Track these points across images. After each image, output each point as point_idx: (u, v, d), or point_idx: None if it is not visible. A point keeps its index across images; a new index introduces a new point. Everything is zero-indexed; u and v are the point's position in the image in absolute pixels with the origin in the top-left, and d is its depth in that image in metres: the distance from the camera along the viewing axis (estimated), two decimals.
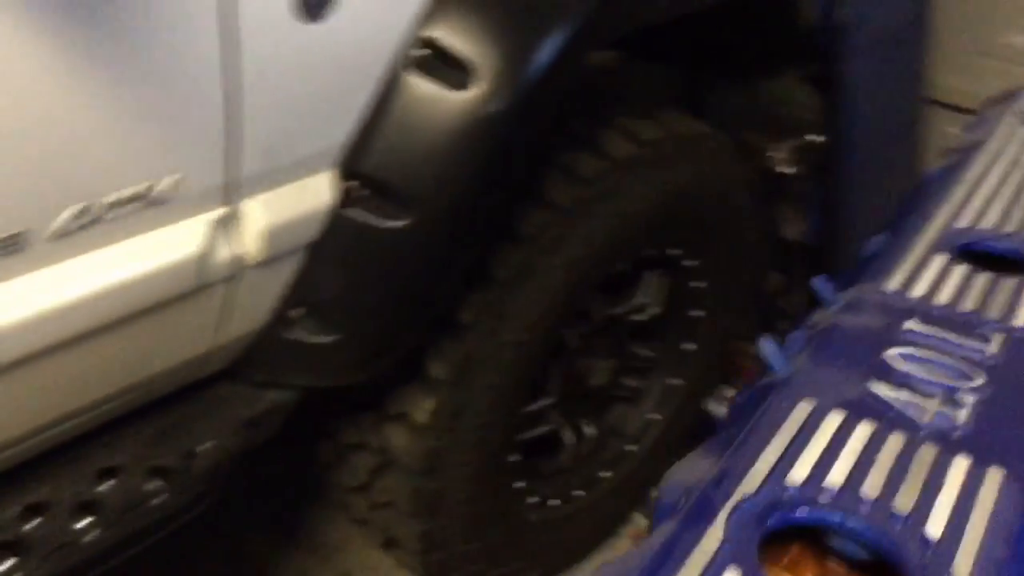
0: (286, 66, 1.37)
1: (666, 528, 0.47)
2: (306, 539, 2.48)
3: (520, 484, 2.18)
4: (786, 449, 0.52)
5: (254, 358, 1.64)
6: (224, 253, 1.42)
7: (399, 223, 1.54)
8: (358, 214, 1.55)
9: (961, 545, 0.47)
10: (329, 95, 1.46)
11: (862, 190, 2.60)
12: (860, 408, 0.55)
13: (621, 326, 2.29)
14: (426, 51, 1.51)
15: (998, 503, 0.50)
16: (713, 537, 0.46)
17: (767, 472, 0.50)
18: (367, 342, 1.65)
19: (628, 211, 1.95)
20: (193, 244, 1.37)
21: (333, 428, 2.01)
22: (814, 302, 2.83)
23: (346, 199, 1.55)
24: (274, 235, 1.47)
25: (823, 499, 0.49)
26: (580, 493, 2.40)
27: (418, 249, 1.58)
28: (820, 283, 0.71)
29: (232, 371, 1.66)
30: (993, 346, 0.61)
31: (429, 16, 1.51)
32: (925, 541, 0.46)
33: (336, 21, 1.39)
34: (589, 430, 2.38)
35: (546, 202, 1.84)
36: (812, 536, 0.52)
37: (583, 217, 1.87)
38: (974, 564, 0.46)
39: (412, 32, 1.51)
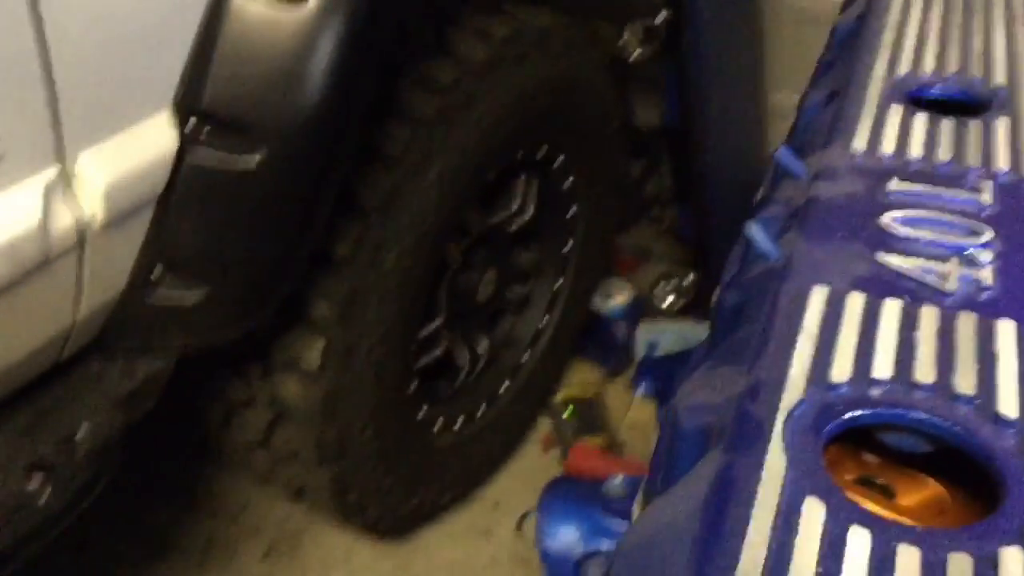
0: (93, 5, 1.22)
1: (714, 458, 0.40)
2: (208, 502, 2.38)
3: (423, 411, 2.13)
4: (818, 345, 0.45)
5: (121, 327, 1.51)
6: (65, 219, 1.28)
7: (252, 159, 1.42)
8: (205, 156, 1.42)
9: None
10: (146, 25, 1.31)
11: (711, 62, 2.59)
12: (879, 285, 0.50)
13: (500, 236, 2.24)
14: None
15: None
16: (775, 463, 0.39)
17: (806, 375, 0.44)
18: (239, 293, 1.54)
19: (493, 114, 1.87)
20: (29, 214, 1.23)
21: (219, 387, 1.90)
22: (679, 185, 2.82)
23: (190, 141, 1.41)
24: (115, 191, 1.33)
25: (878, 395, 0.43)
26: (483, 409, 2.37)
27: (278, 184, 1.47)
28: (786, 154, 0.65)
29: (101, 344, 1.52)
30: (986, 195, 0.58)
31: None
32: (1003, 422, 0.41)
33: None
34: (482, 345, 2.34)
35: (407, 117, 1.74)
36: (853, 433, 0.46)
37: (448, 128, 1.78)
38: None
39: None
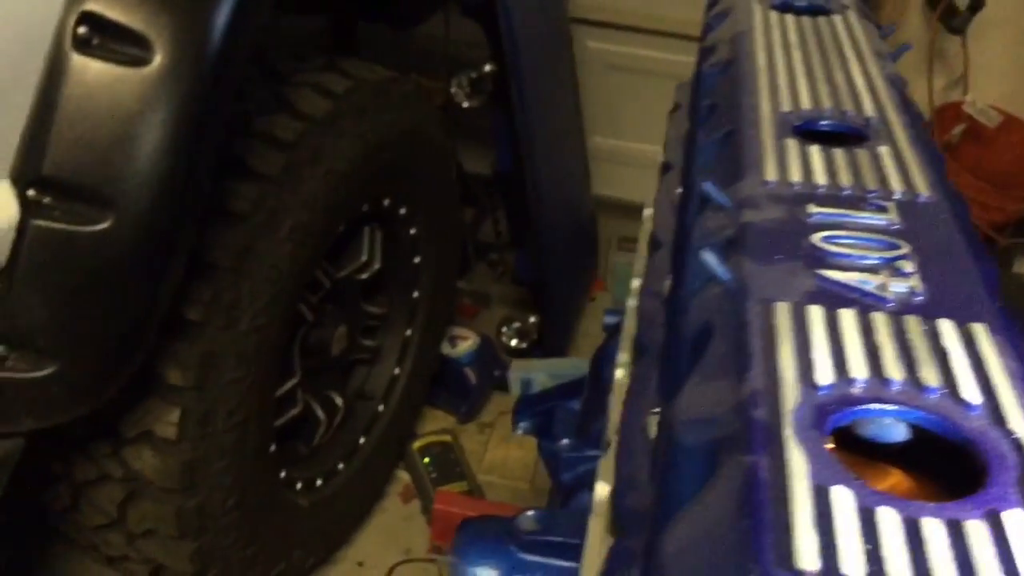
0: None
1: (736, 463, 0.43)
2: None
3: (284, 473, 2.08)
4: (796, 353, 0.50)
5: None
6: None
7: (99, 226, 1.37)
8: (49, 225, 1.36)
9: (1001, 401, 0.48)
10: None
11: (536, 110, 2.70)
12: (829, 298, 0.55)
13: (350, 288, 2.23)
14: (88, 28, 1.34)
15: (1000, 355, 0.52)
16: (796, 460, 0.43)
17: (797, 380, 0.48)
18: (90, 367, 1.47)
19: (339, 168, 1.88)
20: None
21: (64, 467, 1.79)
22: (514, 230, 2.89)
23: (32, 211, 1.35)
24: None
25: (862, 393, 0.48)
26: (342, 465, 2.34)
27: (127, 250, 1.42)
28: (709, 186, 0.69)
29: None
30: (892, 214, 0.64)
31: None
32: (968, 406, 0.47)
33: None
34: (338, 400, 2.31)
35: (254, 174, 1.72)
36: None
37: (296, 183, 1.77)
38: (1022, 414, 0.47)
39: (69, 8, 1.33)
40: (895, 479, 0.50)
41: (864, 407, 0.47)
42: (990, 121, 3.37)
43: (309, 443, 2.26)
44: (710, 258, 0.59)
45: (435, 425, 2.81)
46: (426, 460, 2.61)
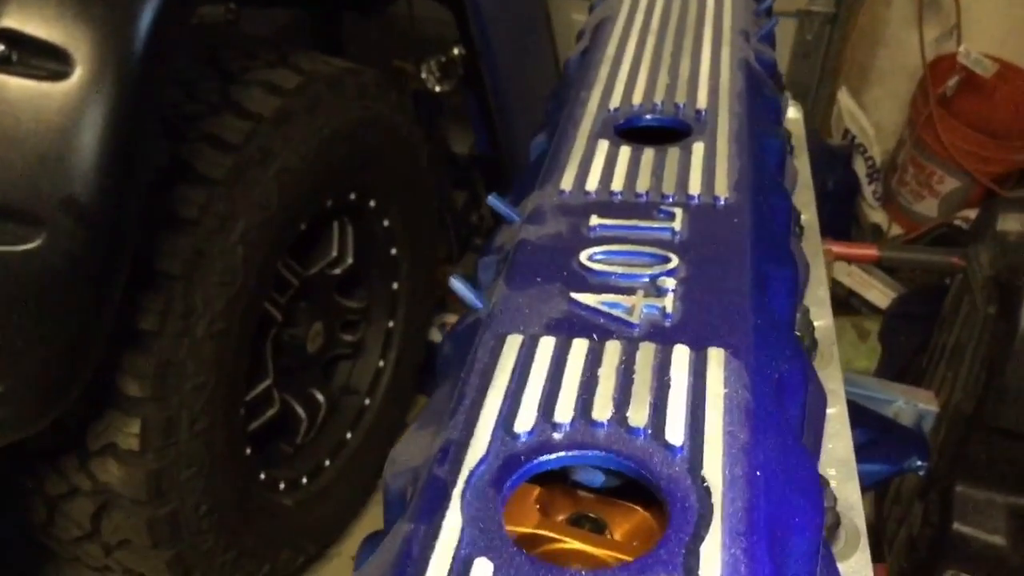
0: None
1: (399, 529, 0.41)
2: None
3: (264, 474, 2.07)
4: (505, 396, 0.46)
5: None
6: None
7: (30, 245, 1.35)
8: None
9: (705, 441, 0.44)
10: None
11: (510, 89, 2.65)
12: (568, 326, 0.51)
13: (323, 284, 2.21)
14: (5, 44, 1.31)
15: (727, 384, 0.48)
16: (451, 527, 0.40)
17: (491, 429, 0.45)
18: (34, 385, 1.45)
19: (291, 166, 1.85)
20: None
21: (35, 481, 1.79)
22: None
23: None
24: None
25: (557, 440, 0.44)
26: (328, 462, 2.33)
27: (62, 267, 1.40)
28: (495, 200, 0.66)
29: None
30: (677, 222, 0.60)
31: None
32: (670, 449, 0.43)
33: None
34: (319, 397, 2.30)
35: (201, 178, 1.70)
36: (551, 475, 0.48)
37: (246, 185, 1.75)
38: (720, 457, 0.44)
39: None
40: (638, 519, 0.47)
41: (557, 456, 0.44)
42: (985, 71, 3.28)
43: (292, 442, 2.25)
44: (458, 286, 0.56)
45: None
46: None
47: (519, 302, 0.53)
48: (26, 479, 1.82)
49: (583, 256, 0.57)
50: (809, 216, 0.90)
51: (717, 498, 0.41)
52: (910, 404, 1.36)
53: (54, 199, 1.36)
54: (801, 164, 0.99)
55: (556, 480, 0.48)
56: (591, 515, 0.47)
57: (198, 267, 1.68)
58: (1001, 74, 3.35)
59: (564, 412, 0.45)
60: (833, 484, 0.61)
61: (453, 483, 0.42)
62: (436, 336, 2.83)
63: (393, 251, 2.40)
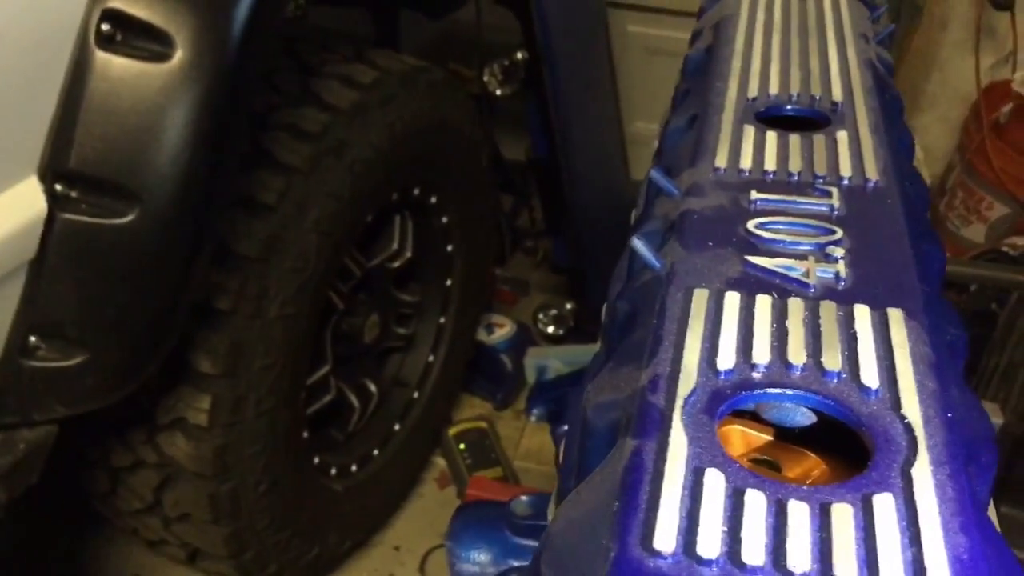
0: None
1: (624, 446, 0.44)
2: (99, 572, 2.29)
3: (318, 459, 2.12)
4: (703, 339, 0.51)
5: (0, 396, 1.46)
6: None
7: (125, 219, 1.40)
8: (76, 218, 1.40)
9: (899, 385, 0.48)
10: (4, 91, 1.29)
11: (571, 97, 2.69)
12: (750, 284, 0.56)
13: (382, 277, 2.26)
14: (111, 25, 1.37)
15: (909, 339, 0.52)
16: (677, 444, 0.44)
17: (697, 366, 0.49)
18: (120, 356, 1.50)
19: (365, 159, 1.90)
20: None
21: (101, 453, 1.84)
22: (551, 217, 2.90)
23: (59, 204, 1.39)
24: None
25: (760, 377, 0.48)
26: (377, 452, 2.37)
27: (153, 242, 1.45)
28: (657, 174, 0.70)
29: None
30: (835, 199, 0.64)
31: None
32: (867, 390, 0.47)
33: None
34: (372, 387, 2.34)
35: (280, 166, 1.75)
36: (743, 415, 0.52)
37: (322, 174, 1.80)
38: (918, 400, 0.47)
39: (93, 5, 1.36)
40: (810, 463, 0.50)
41: (759, 391, 0.47)
42: None
43: (344, 430, 2.29)
44: (639, 246, 0.60)
45: (471, 412, 2.84)
46: (461, 446, 2.64)
47: (696, 263, 0.57)
48: (91, 450, 1.88)
49: (750, 224, 0.61)
50: None
51: (919, 433, 0.44)
52: None
53: (149, 176, 1.41)
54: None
55: (737, 421, 0.51)
56: (765, 457, 0.51)
57: (273, 251, 1.73)
58: None
59: (761, 355, 0.49)
60: None
61: (671, 408, 0.46)
62: (483, 336, 2.87)
63: (449, 248, 2.44)
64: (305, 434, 2.02)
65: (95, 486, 1.94)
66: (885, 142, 0.70)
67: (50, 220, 1.38)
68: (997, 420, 1.37)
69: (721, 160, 0.69)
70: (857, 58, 0.81)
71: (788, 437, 0.50)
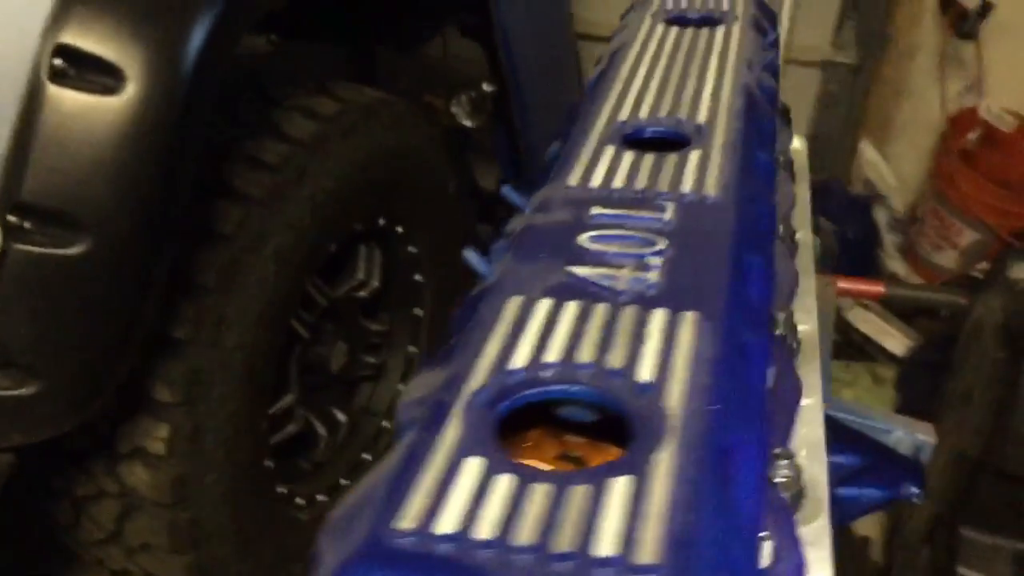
0: None
1: (406, 439, 0.48)
2: None
3: (284, 488, 2.12)
4: (505, 342, 0.54)
5: None
6: None
7: (76, 249, 1.43)
8: (29, 248, 1.42)
9: (669, 381, 0.51)
10: None
11: (538, 125, 2.73)
12: (563, 291, 0.58)
13: (349, 305, 2.27)
14: (63, 59, 1.40)
15: (696, 340, 0.54)
16: (451, 434, 0.47)
17: (491, 365, 0.52)
18: (72, 385, 1.52)
19: (325, 189, 1.93)
20: None
21: (64, 483, 1.85)
22: None
23: (12, 235, 1.41)
24: None
25: (545, 375, 0.51)
26: (346, 482, 2.37)
27: (106, 272, 1.47)
28: (508, 191, 0.73)
29: None
30: (668, 214, 0.67)
31: (59, 19, 1.40)
32: (639, 386, 0.50)
33: None
34: (341, 416, 2.35)
35: (238, 196, 1.78)
36: (549, 419, 0.54)
37: (281, 204, 1.82)
38: (683, 394, 0.50)
39: (45, 41, 1.39)
40: (611, 456, 0.52)
41: (540, 388, 0.50)
42: (1006, 126, 3.33)
43: (311, 459, 2.30)
44: (470, 257, 0.63)
45: None
46: None
47: (522, 273, 0.60)
48: (55, 480, 1.89)
49: (582, 238, 0.63)
50: (805, 236, 0.96)
51: (676, 423, 0.47)
52: (909, 434, 1.40)
53: (100, 206, 1.43)
54: (801, 189, 1.06)
55: (550, 424, 0.53)
56: (573, 455, 0.53)
57: (231, 281, 1.75)
58: (1022, 129, 3.40)
59: (552, 355, 0.52)
60: (802, 462, 0.67)
61: (454, 404, 0.48)
62: None
63: (418, 277, 2.46)
64: (269, 463, 2.03)
65: (60, 517, 1.94)
66: (737, 162, 0.72)
67: (3, 250, 1.41)
68: (929, 439, 1.39)
69: (574, 179, 0.72)
70: (732, 83, 0.84)
71: (605, 436, 0.53)
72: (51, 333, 1.47)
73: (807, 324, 0.82)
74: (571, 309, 0.55)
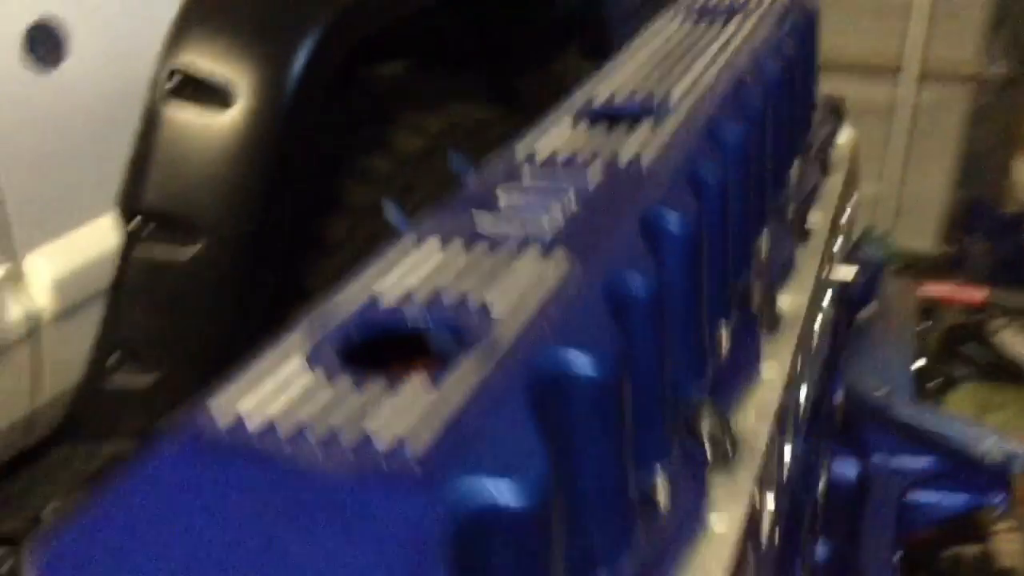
0: (27, 117, 1.40)
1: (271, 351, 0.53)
2: None
3: None
4: (374, 275, 0.58)
5: (83, 412, 1.64)
6: (15, 312, 1.43)
7: (191, 251, 1.57)
8: (150, 250, 1.57)
9: (506, 312, 0.53)
10: (86, 138, 1.49)
11: None
12: (453, 232, 0.62)
13: None
14: (178, 80, 1.55)
15: (555, 279, 0.57)
16: (289, 343, 0.52)
17: (352, 295, 0.56)
18: (189, 375, 1.66)
19: (429, 201, 2.01)
20: None
21: None
22: None
23: (135, 237, 1.57)
24: (64, 286, 1.48)
25: (389, 304, 0.55)
26: None
27: (217, 273, 1.61)
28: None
29: (68, 428, 1.65)
30: (593, 175, 0.69)
31: (175, 45, 1.56)
32: (477, 313, 0.52)
33: (72, 66, 1.42)
34: None
35: (346, 207, 1.89)
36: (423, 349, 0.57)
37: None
38: (515, 324, 0.52)
39: (162, 63, 1.55)
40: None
41: (387, 314, 0.53)
42: None
43: None
44: (389, 207, 0.67)
45: None
46: None
47: (433, 223, 0.64)
48: None
49: (500, 194, 0.67)
50: (821, 225, 0.96)
51: (506, 344, 0.49)
52: (1001, 444, 1.34)
53: (212, 213, 1.58)
54: (832, 181, 1.05)
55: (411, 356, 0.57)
56: None
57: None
58: None
59: (410, 287, 0.55)
60: (751, 420, 0.67)
61: (321, 328, 0.53)
62: None
63: None
64: None
65: None
66: (684, 135, 0.74)
67: (126, 251, 1.57)
68: (1021, 449, 1.33)
69: (523, 146, 0.75)
70: (719, 69, 0.85)
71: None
72: (169, 327, 1.62)
73: (794, 304, 0.82)
74: (453, 248, 0.59)
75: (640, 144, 0.73)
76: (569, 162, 0.72)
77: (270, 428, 0.44)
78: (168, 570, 0.36)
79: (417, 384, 0.46)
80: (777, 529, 0.74)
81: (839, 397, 1.23)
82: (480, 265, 0.57)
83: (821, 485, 1.09)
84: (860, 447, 1.27)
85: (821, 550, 1.12)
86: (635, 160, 0.71)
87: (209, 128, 1.57)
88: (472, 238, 0.61)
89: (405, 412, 0.44)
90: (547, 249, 0.58)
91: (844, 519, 1.19)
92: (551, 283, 0.55)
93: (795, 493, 0.83)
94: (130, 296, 1.58)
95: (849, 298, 1.34)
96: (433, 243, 0.61)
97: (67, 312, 1.51)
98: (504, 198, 0.66)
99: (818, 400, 1.00)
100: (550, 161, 0.72)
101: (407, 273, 0.57)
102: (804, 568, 0.91)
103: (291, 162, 1.67)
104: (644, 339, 0.58)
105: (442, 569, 0.36)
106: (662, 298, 0.59)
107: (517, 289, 0.54)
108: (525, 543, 0.41)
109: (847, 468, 1.27)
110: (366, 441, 0.42)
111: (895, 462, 1.29)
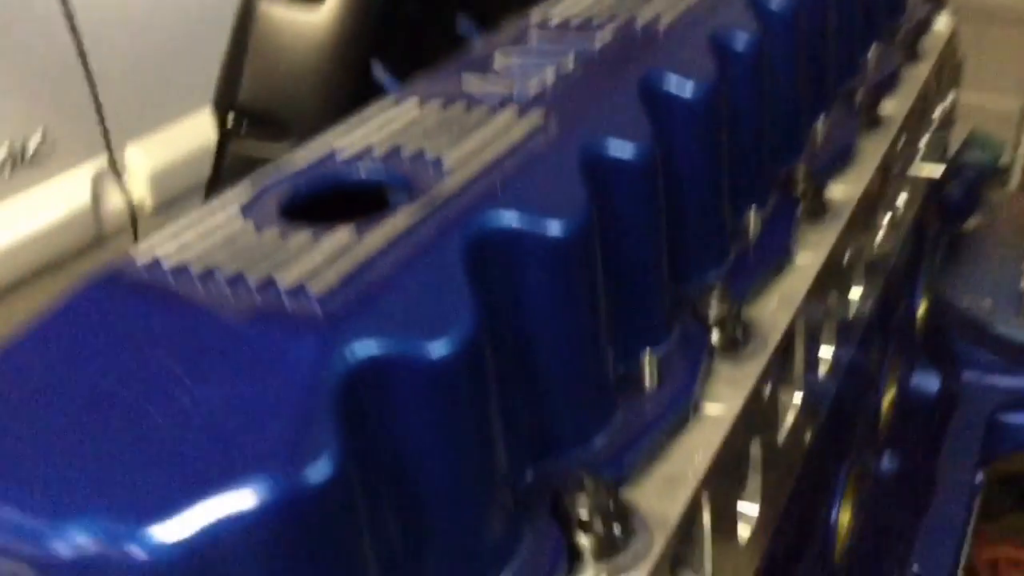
0: (125, 15, 1.44)
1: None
2: None
3: None
4: (347, 132, 0.56)
5: None
6: (115, 203, 1.50)
7: (284, 148, 1.60)
8: (245, 145, 1.61)
9: (466, 167, 0.50)
10: (181, 34, 1.52)
11: None
12: (436, 93, 0.59)
13: None
14: None
15: (530, 135, 0.53)
16: (235, 194, 0.51)
17: (330, 145, 0.55)
18: None
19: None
20: (80, 198, 1.45)
21: None
22: None
23: (230, 133, 1.61)
24: (161, 179, 1.54)
25: (345, 157, 0.53)
26: None
27: None
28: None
29: None
30: (602, 36, 0.65)
31: None
32: (431, 167, 0.50)
33: None
34: None
35: None
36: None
37: None
38: (474, 174, 0.50)
39: None
40: None
41: (344, 165, 0.51)
42: None
43: None
44: (378, 70, 0.64)
45: None
46: None
47: (425, 84, 0.61)
48: None
49: (499, 56, 0.63)
50: (897, 112, 0.87)
51: (446, 196, 0.47)
52: None
53: (303, 108, 1.59)
54: (919, 69, 0.96)
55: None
56: None
57: None
58: None
59: (381, 142, 0.53)
60: (772, 307, 0.63)
61: (272, 179, 0.52)
62: None
63: None
64: None
65: None
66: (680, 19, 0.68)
67: (222, 147, 1.61)
68: None
69: (539, 10, 0.71)
70: None
71: None
72: None
73: (847, 193, 0.76)
74: (432, 106, 0.56)
75: (666, 5, 0.68)
76: (583, 26, 0.68)
77: (183, 269, 0.43)
78: (60, 405, 0.37)
79: (342, 232, 0.45)
80: (809, 430, 0.70)
81: (919, 307, 1.15)
82: (451, 124, 0.55)
83: (889, 396, 1.03)
84: (947, 361, 1.20)
85: (888, 462, 1.07)
86: (653, 22, 0.66)
87: (302, 24, 1.57)
88: (452, 98, 0.58)
89: (319, 257, 0.43)
90: (525, 109, 0.56)
91: (920, 433, 1.13)
92: (514, 140, 0.52)
93: (842, 399, 0.78)
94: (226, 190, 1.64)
95: (944, 204, 1.25)
96: (411, 102, 0.58)
97: (165, 206, 1.57)
98: (500, 60, 0.63)
99: (886, 308, 0.94)
100: (563, 25, 0.69)
101: (374, 131, 0.55)
102: (850, 477, 0.87)
103: (383, 57, 1.66)
104: (630, 212, 0.54)
105: (332, 416, 0.35)
106: (655, 170, 0.55)
107: (479, 145, 0.52)
108: (436, 403, 0.39)
109: (927, 381, 1.19)
110: (270, 282, 0.41)
111: (988, 379, 1.21)
